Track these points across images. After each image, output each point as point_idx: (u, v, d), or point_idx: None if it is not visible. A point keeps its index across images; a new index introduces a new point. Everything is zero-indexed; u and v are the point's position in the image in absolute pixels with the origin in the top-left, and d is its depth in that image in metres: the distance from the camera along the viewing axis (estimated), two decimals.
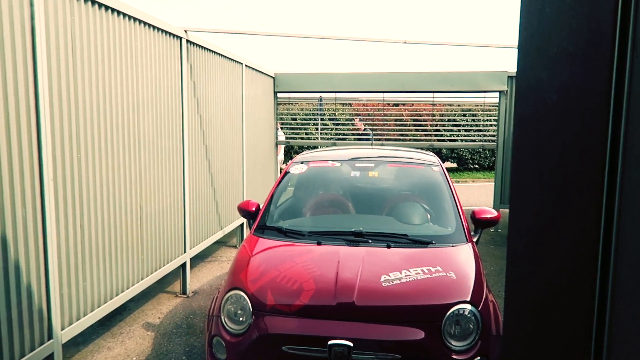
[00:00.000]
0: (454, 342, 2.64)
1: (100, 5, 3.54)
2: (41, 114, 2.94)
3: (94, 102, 3.50)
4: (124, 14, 3.86)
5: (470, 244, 3.37)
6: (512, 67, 8.35)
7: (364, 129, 10.09)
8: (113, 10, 3.70)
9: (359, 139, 9.77)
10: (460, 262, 3.15)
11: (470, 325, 2.68)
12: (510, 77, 8.16)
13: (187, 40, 5.06)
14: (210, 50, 5.74)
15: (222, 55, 6.13)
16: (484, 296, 2.86)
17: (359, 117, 11.72)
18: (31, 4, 2.85)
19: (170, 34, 4.69)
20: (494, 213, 3.76)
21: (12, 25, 2.70)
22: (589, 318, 0.60)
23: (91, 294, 3.53)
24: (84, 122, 3.40)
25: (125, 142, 3.94)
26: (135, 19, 4.03)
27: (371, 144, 9.12)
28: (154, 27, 4.36)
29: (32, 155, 2.90)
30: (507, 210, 6.61)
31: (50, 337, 3.09)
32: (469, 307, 2.71)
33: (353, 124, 11.97)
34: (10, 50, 2.69)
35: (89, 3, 3.41)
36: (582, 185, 0.60)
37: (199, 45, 5.41)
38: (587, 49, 0.57)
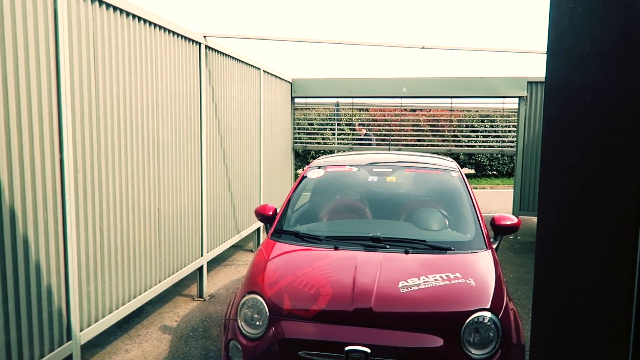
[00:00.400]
0: (473, 350, 2.59)
1: (122, 11, 3.60)
2: (63, 117, 2.99)
3: (114, 107, 3.55)
4: (145, 20, 3.91)
5: (489, 251, 3.32)
6: (532, 73, 8.26)
7: (365, 134, 10.22)
8: (134, 16, 3.76)
9: (361, 144, 9.88)
10: (480, 269, 3.10)
11: (490, 334, 2.63)
12: (530, 83, 8.06)
13: (206, 46, 5.11)
14: (228, 55, 5.78)
15: (240, 60, 6.18)
16: (504, 304, 2.81)
17: (360, 122, 11.84)
18: (55, 10, 2.91)
19: (189, 39, 4.74)
20: (514, 220, 3.70)
21: (36, 31, 2.76)
22: (625, 326, 0.57)
23: (110, 296, 3.57)
24: (105, 126, 3.45)
25: (144, 146, 3.99)
26: (155, 25, 4.09)
27: (388, 148, 9.11)
28: (173, 32, 4.42)
29: (54, 158, 2.95)
30: (527, 217, 6.52)
31: (69, 338, 3.13)
32: (488, 314, 2.66)
33: (370, 127, 11.99)
34: (34, 56, 2.75)
35: (111, 9, 3.47)
36: (617, 189, 0.58)
37: (218, 51, 5.46)
38: (622, 48, 0.55)
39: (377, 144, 10.00)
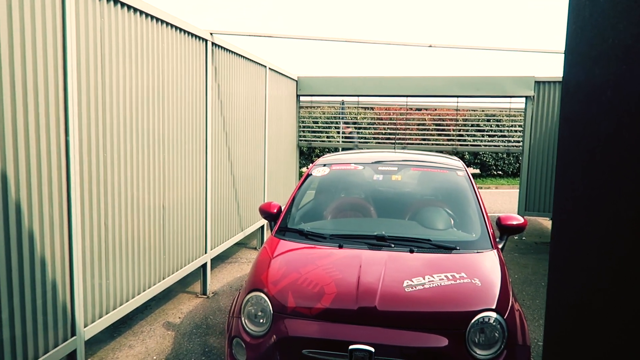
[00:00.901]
0: (478, 351, 2.57)
1: (129, 7, 3.59)
2: (69, 114, 2.98)
3: (120, 103, 3.55)
4: (152, 16, 3.91)
5: (495, 251, 3.29)
6: (539, 72, 8.22)
7: (350, 132, 10.50)
8: (141, 12, 3.75)
9: (345, 141, 10.15)
10: (486, 269, 3.08)
11: (496, 334, 2.61)
12: (537, 82, 8.01)
13: (213, 43, 5.10)
14: (235, 53, 5.77)
15: (246, 58, 6.17)
16: (509, 304, 2.78)
17: (344, 120, 12.02)
18: (63, 6, 2.90)
19: (196, 36, 4.73)
20: (520, 220, 3.67)
21: (44, 26, 2.75)
22: (639, 329, 0.56)
23: (114, 292, 3.57)
24: (110, 123, 3.45)
25: (149, 143, 3.98)
26: (162, 21, 4.08)
27: (394, 147, 9.10)
28: (180, 29, 4.41)
29: (60, 156, 2.95)
30: (532, 218, 6.47)
31: (73, 334, 3.13)
32: (494, 315, 2.64)
33: (375, 126, 12.04)
34: (42, 50, 2.74)
35: (118, 5, 3.46)
36: (636, 188, 0.56)
37: (224, 48, 5.45)
38: None
39: (358, 142, 10.29)
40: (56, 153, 2.91)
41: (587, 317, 0.68)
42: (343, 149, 11.25)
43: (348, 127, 10.85)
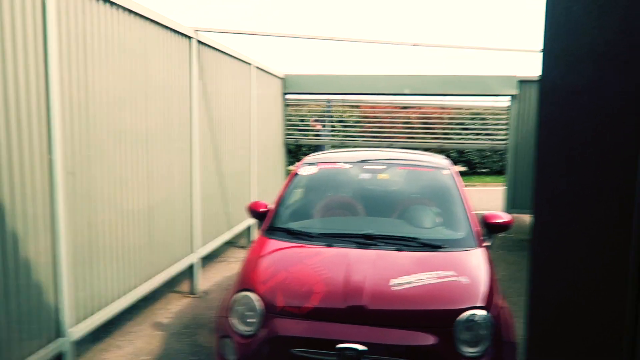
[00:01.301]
0: (465, 348, 2.60)
1: (112, 4, 3.56)
2: (52, 113, 2.95)
3: (104, 101, 3.52)
4: (135, 13, 3.87)
5: (482, 249, 3.34)
6: (523, 71, 8.32)
7: (318, 129, 10.52)
8: (124, 9, 3.72)
9: (313, 139, 10.37)
10: (472, 266, 3.12)
11: (483, 331, 2.65)
12: (521, 82, 8.11)
13: (198, 41, 5.07)
14: (220, 50, 5.75)
15: (232, 56, 6.15)
16: (496, 302, 2.83)
17: (314, 117, 11.98)
18: (43, 2, 2.86)
19: (180, 33, 4.71)
20: (505, 218, 3.71)
21: (24, 22, 2.72)
22: (619, 326, 0.58)
23: (101, 293, 3.54)
24: (94, 121, 3.42)
25: (135, 141, 3.96)
26: (146, 18, 4.05)
27: (381, 145, 9.15)
28: (164, 26, 4.38)
29: (43, 155, 2.92)
30: (519, 215, 6.53)
31: (61, 335, 3.11)
32: (481, 312, 2.68)
33: (362, 124, 12.08)
34: (22, 48, 2.71)
35: (101, 1, 3.43)
36: (612, 189, 0.59)
37: (209, 46, 5.42)
38: (619, 49, 0.55)
39: (326, 140, 10.31)
40: (39, 152, 2.88)
41: (569, 316, 0.70)
42: (311, 147, 11.30)
43: (317, 124, 10.68)
